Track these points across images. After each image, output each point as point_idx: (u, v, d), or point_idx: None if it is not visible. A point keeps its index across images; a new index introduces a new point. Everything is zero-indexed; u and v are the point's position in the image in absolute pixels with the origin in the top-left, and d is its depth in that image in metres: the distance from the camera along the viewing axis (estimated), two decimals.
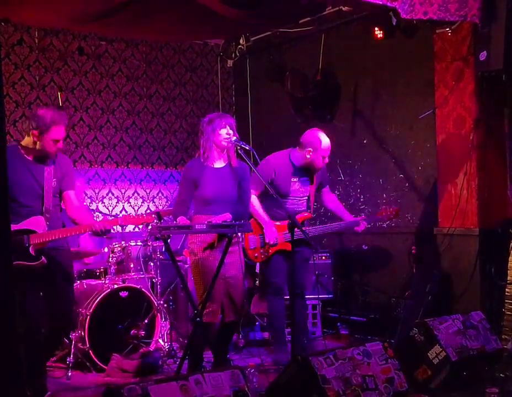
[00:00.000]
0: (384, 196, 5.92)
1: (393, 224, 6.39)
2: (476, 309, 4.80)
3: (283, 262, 5.29)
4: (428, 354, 4.27)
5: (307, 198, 5.44)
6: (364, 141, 6.67)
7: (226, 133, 4.53)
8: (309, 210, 5.46)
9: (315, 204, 5.81)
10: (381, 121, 6.51)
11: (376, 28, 5.83)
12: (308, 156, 5.26)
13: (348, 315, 6.43)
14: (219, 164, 4.63)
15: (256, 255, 5.30)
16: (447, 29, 5.53)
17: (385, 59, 6.35)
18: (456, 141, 5.60)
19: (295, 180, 5.34)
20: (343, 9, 6.29)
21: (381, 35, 5.86)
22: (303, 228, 5.10)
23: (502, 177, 5.57)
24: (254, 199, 5.23)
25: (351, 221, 5.54)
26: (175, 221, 4.51)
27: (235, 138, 4.56)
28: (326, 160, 5.33)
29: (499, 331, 4.99)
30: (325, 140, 5.28)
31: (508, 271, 5.14)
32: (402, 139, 6.31)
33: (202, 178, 4.55)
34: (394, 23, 5.46)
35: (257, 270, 6.05)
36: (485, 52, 5.11)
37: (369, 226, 5.68)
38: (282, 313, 5.45)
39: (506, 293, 5.06)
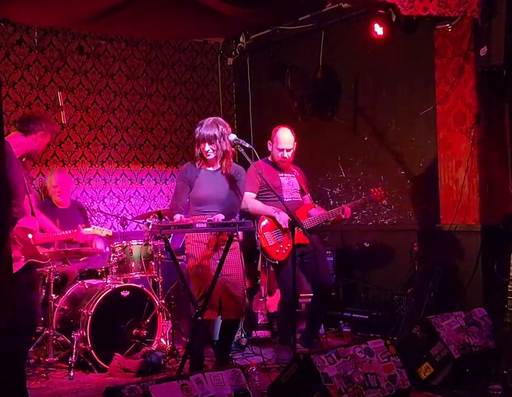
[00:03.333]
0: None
1: (394, 221, 6.39)
2: (479, 306, 4.79)
3: (299, 265, 5.28)
4: (431, 351, 4.26)
5: (300, 189, 5.51)
6: (365, 139, 6.65)
7: (203, 149, 4.58)
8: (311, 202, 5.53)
9: None
10: (382, 118, 6.49)
11: (376, 25, 5.82)
12: (269, 148, 5.48)
13: (350, 313, 6.42)
14: (212, 168, 4.68)
15: (277, 250, 5.26)
16: (447, 25, 5.51)
17: (385, 56, 6.33)
18: (457, 137, 5.58)
19: (282, 175, 5.48)
20: (343, 6, 6.28)
21: (381, 32, 5.85)
22: (310, 218, 5.39)
23: (503, 173, 5.54)
24: (253, 200, 5.28)
25: (333, 210, 5.56)
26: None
27: (234, 136, 4.58)
28: (285, 154, 5.38)
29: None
30: (280, 132, 5.42)
31: (511, 267, 5.11)
32: (403, 136, 6.30)
33: (197, 180, 4.63)
34: (393, 20, 5.45)
35: (258, 268, 6.06)
36: (485, 47, 5.10)
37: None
38: (291, 318, 5.42)
39: (509, 289, 5.03)
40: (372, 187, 5.84)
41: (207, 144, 4.55)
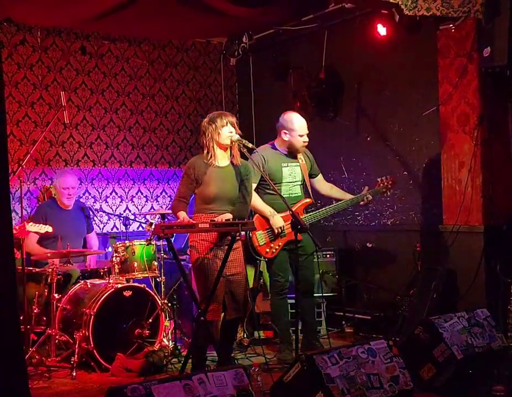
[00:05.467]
0: (388, 193, 5.89)
1: (397, 222, 6.38)
2: (482, 306, 4.78)
3: (289, 259, 5.29)
4: (434, 352, 4.24)
5: (300, 183, 5.46)
6: (368, 139, 6.65)
7: (228, 131, 4.54)
8: (308, 196, 5.48)
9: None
10: (385, 118, 6.48)
11: (379, 25, 5.81)
12: (285, 138, 5.34)
13: (352, 313, 6.41)
14: (222, 163, 4.63)
15: (267, 250, 5.27)
16: (451, 25, 5.50)
17: (388, 56, 6.32)
18: (460, 137, 5.57)
19: (285, 165, 5.39)
20: (346, 6, 6.26)
21: (384, 32, 5.84)
22: (306, 214, 5.39)
23: (506, 174, 5.54)
24: (253, 194, 5.22)
25: (356, 196, 5.56)
26: (175, 217, 4.52)
27: (237, 136, 4.58)
28: (306, 139, 5.34)
29: (505, 328, 4.97)
30: (297, 119, 5.35)
31: None
32: (406, 136, 6.29)
33: (205, 177, 4.56)
34: (397, 20, 5.44)
35: (261, 268, 6.05)
36: (489, 48, 5.09)
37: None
38: (286, 311, 5.44)
39: None
40: (374, 188, 5.79)
41: (229, 125, 4.56)
